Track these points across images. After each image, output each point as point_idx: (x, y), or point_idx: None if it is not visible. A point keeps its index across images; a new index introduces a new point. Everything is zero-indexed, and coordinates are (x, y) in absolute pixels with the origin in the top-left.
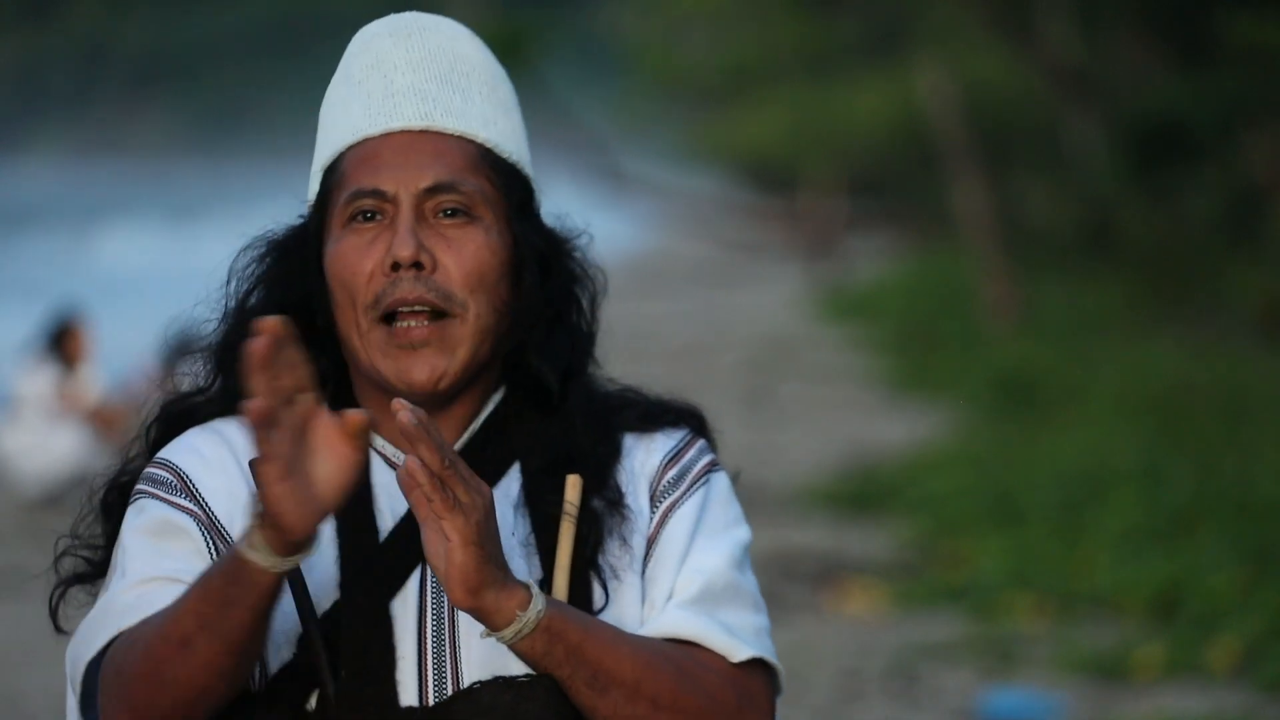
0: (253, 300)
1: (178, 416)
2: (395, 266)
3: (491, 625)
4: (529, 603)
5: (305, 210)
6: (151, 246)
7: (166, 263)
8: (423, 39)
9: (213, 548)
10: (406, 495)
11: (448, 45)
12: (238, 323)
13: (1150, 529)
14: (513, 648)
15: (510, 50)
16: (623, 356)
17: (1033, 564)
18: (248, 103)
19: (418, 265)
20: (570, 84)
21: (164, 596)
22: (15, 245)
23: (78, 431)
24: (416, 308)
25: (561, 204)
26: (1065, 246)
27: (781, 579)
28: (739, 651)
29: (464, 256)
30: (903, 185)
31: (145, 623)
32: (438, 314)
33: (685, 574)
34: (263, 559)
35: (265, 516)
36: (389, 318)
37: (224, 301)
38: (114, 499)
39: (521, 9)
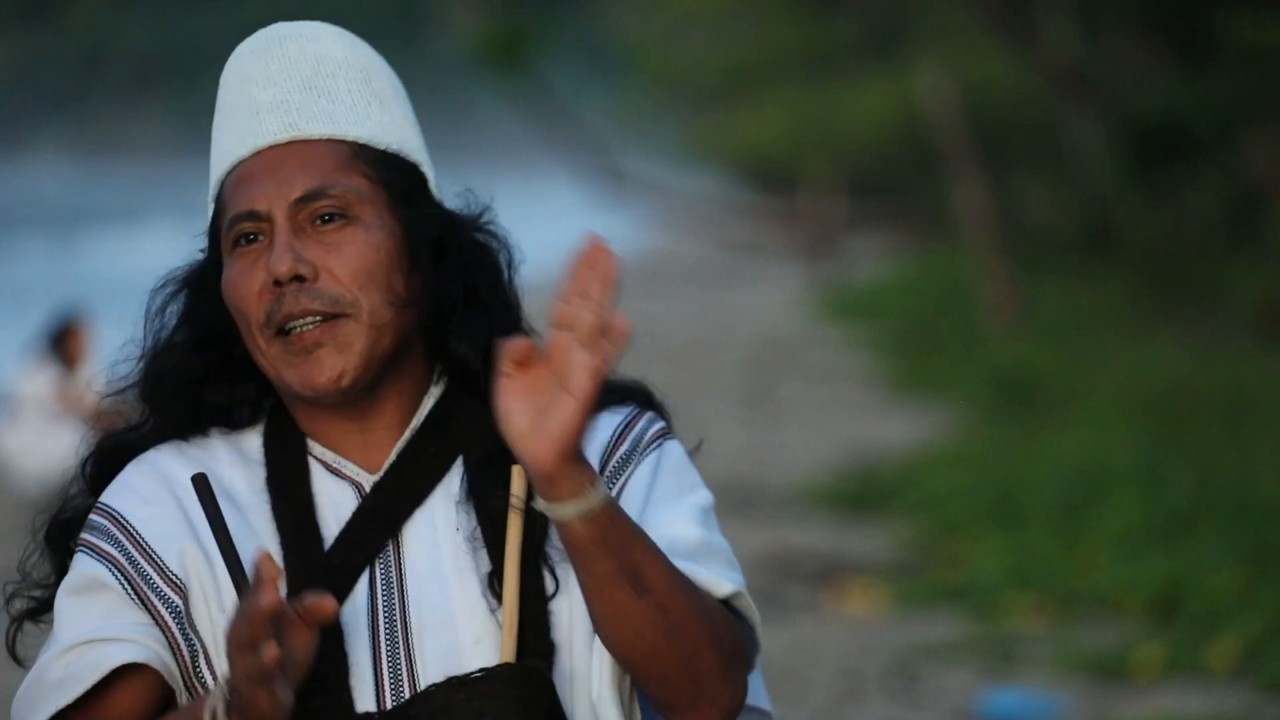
0: (175, 335)
1: (115, 450)
2: (278, 283)
3: (557, 495)
4: (598, 480)
5: (202, 250)
6: (151, 247)
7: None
8: (282, 49)
9: (131, 591)
10: (557, 325)
11: (310, 49)
12: (156, 354)
13: (1150, 529)
14: (567, 531)
15: (510, 50)
16: (623, 356)
17: (1033, 564)
18: None
19: (299, 278)
20: (570, 84)
21: (88, 661)
22: (15, 245)
23: (78, 432)
24: (305, 320)
25: (561, 204)
26: (1065, 246)
27: (781, 579)
28: (722, 587)
29: (346, 258)
30: (903, 185)
31: None
32: (329, 317)
33: (650, 533)
34: None
35: (239, 707)
36: (284, 330)
37: (144, 341)
38: (56, 535)
39: (521, 9)
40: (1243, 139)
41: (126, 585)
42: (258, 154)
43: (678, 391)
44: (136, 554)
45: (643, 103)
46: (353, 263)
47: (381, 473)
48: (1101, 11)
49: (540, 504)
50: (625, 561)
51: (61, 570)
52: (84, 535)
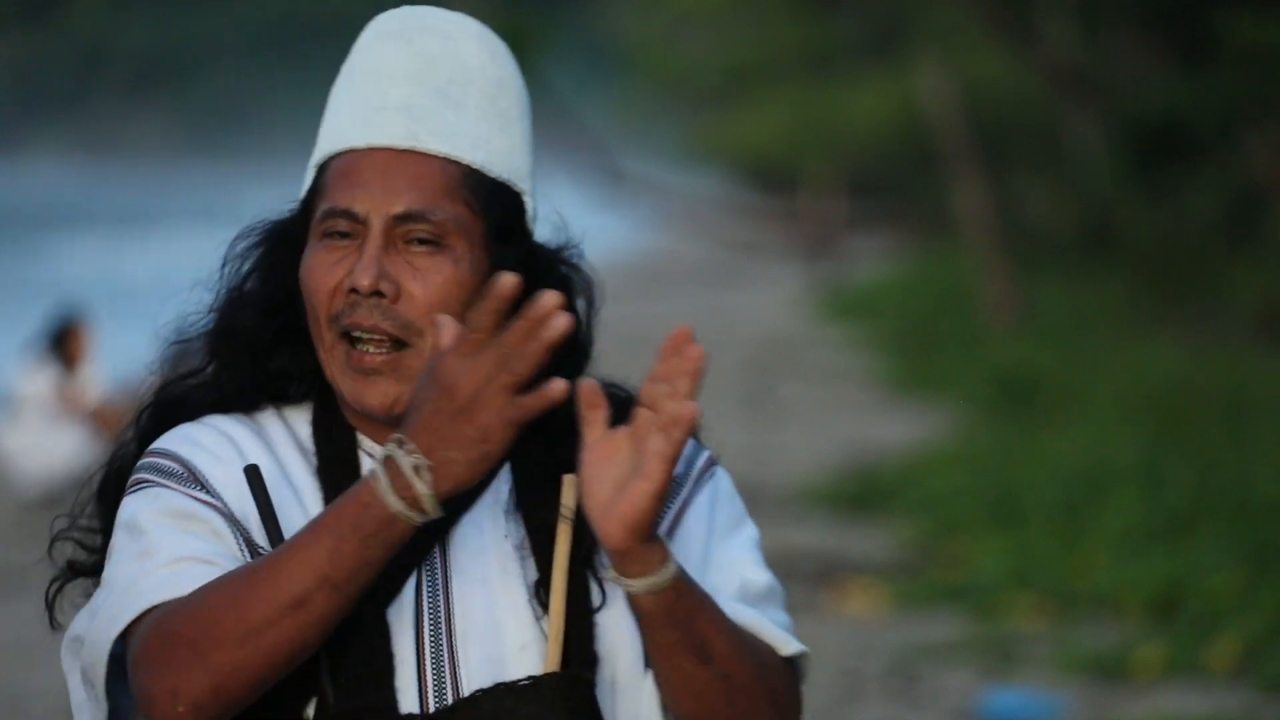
0: (248, 285)
1: (171, 403)
2: (354, 291)
3: (627, 570)
4: (669, 556)
5: (297, 202)
6: (151, 247)
7: (166, 264)
8: (424, 44)
9: (239, 537)
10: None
11: (450, 51)
12: (231, 305)
13: (1150, 529)
14: (634, 601)
15: (510, 50)
16: (623, 357)
17: (1033, 564)
18: (247, 103)
19: (378, 294)
20: (570, 84)
21: (198, 576)
22: (14, 245)
23: (78, 431)
24: (372, 335)
25: (561, 205)
26: (1065, 246)
27: (781, 579)
28: (788, 646)
29: (428, 287)
30: (903, 185)
31: (214, 589)
32: (398, 343)
33: (717, 571)
34: (418, 515)
35: (440, 468)
36: (350, 336)
37: (218, 286)
38: (111, 486)
39: (521, 9)
40: (1243, 139)
41: (233, 531)
42: (371, 151)
43: None
44: (226, 508)
45: (643, 103)
46: (433, 293)
47: None
48: (1101, 11)
49: (609, 574)
50: (691, 632)
51: (110, 519)
52: (153, 477)
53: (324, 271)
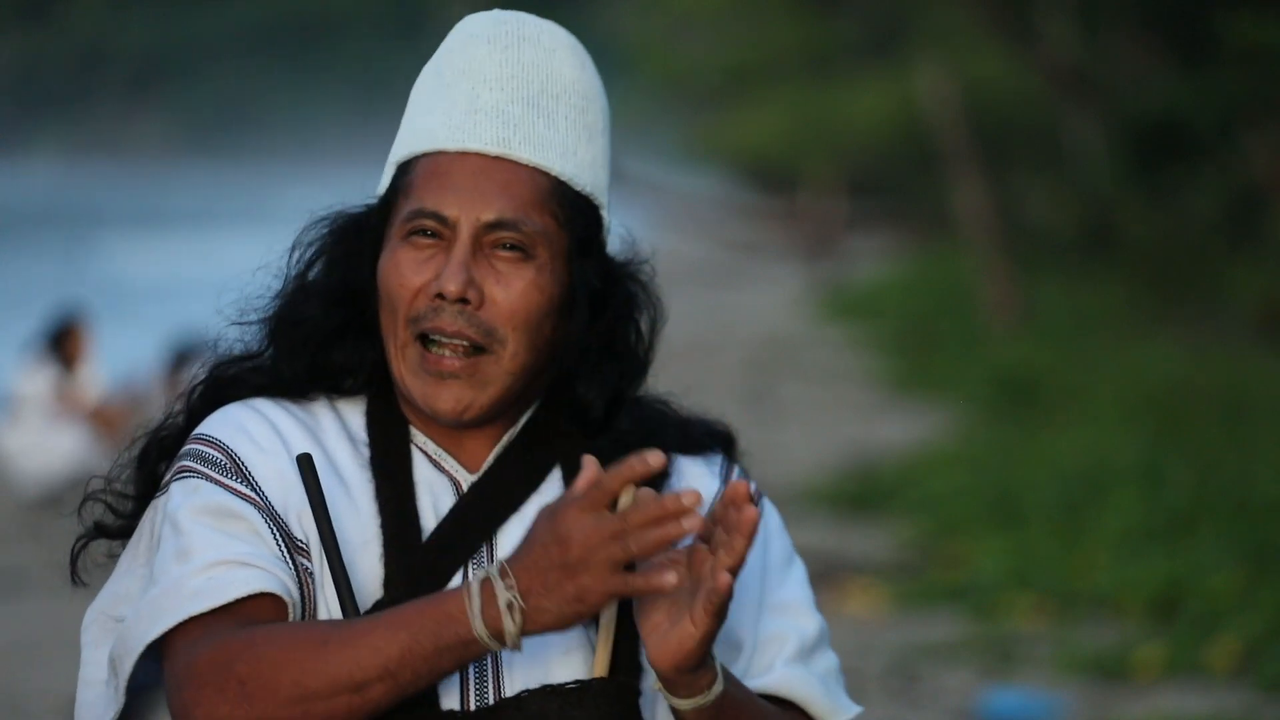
0: (313, 274)
1: (225, 382)
2: (441, 295)
3: (674, 691)
4: (716, 680)
5: (376, 194)
6: (151, 248)
7: (166, 265)
8: (519, 51)
9: (276, 535)
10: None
11: (544, 61)
12: (296, 293)
13: (1150, 529)
14: (679, 712)
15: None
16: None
17: (1033, 564)
18: (247, 103)
19: (463, 300)
20: None
21: (232, 578)
22: (14, 245)
23: (77, 432)
24: (453, 340)
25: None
26: (1065, 246)
27: None
28: (838, 715)
29: (512, 294)
30: (903, 185)
31: (281, 636)
32: (476, 348)
33: (774, 617)
34: (497, 644)
35: (532, 612)
36: (425, 338)
37: (286, 269)
38: (153, 455)
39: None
40: (1243, 139)
41: (270, 528)
42: (463, 155)
43: (678, 392)
44: (266, 503)
45: (643, 103)
46: (516, 301)
47: (481, 473)
48: (1101, 11)
49: (655, 685)
50: None
51: (146, 487)
52: (197, 465)
53: (410, 271)
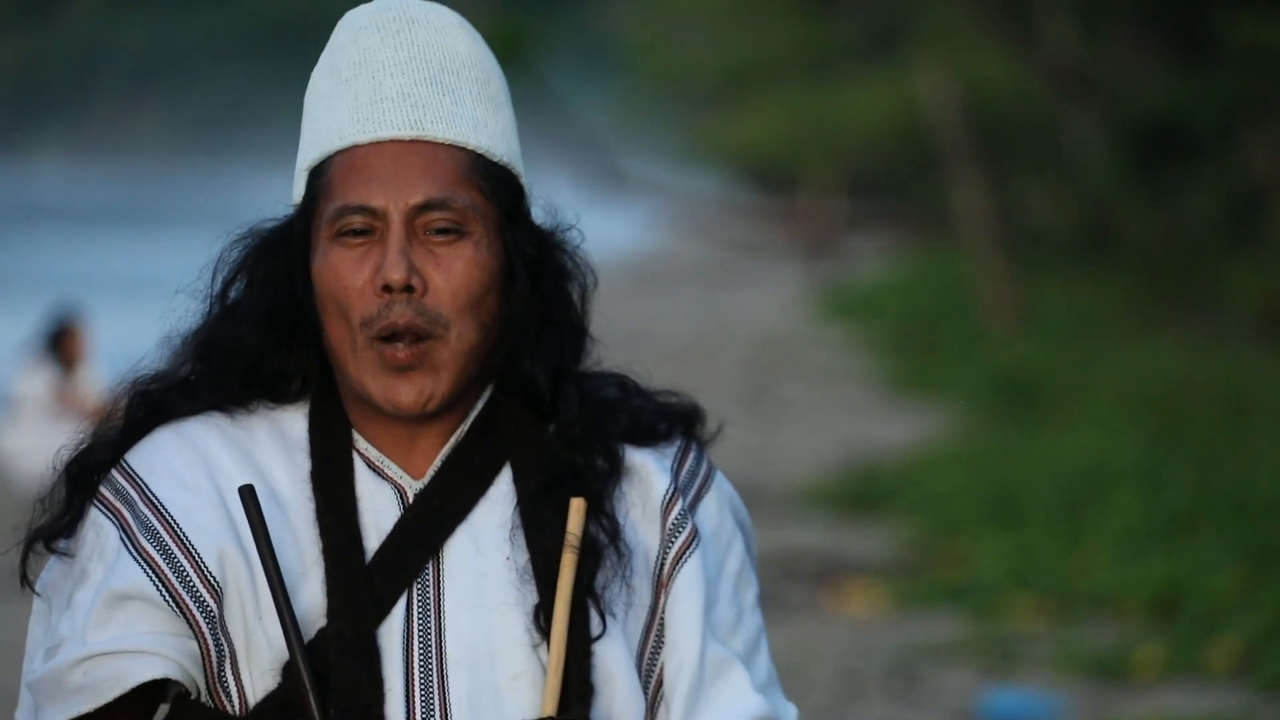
0: (235, 294)
1: (161, 400)
2: (387, 288)
3: None
4: None
5: (290, 207)
6: (151, 247)
7: (166, 264)
8: (411, 34)
9: (168, 597)
10: None
11: (436, 40)
12: (220, 315)
13: (1150, 529)
14: None
15: (509, 50)
16: (623, 357)
17: (1033, 564)
18: (247, 103)
19: (409, 288)
20: (570, 84)
21: (109, 671)
22: (14, 245)
23: (77, 432)
24: (406, 334)
25: (561, 204)
26: (1065, 246)
27: (781, 579)
28: None
29: (453, 276)
30: (903, 185)
31: None
32: (421, 336)
33: (723, 629)
34: None
35: None
36: (382, 338)
37: (208, 291)
38: (77, 471)
39: (521, 9)
40: (1243, 139)
41: (163, 591)
42: (377, 145)
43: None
44: (176, 551)
45: (643, 103)
46: (458, 282)
47: (426, 480)
48: (1101, 12)
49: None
50: None
51: (73, 501)
52: (119, 505)
53: (348, 271)
